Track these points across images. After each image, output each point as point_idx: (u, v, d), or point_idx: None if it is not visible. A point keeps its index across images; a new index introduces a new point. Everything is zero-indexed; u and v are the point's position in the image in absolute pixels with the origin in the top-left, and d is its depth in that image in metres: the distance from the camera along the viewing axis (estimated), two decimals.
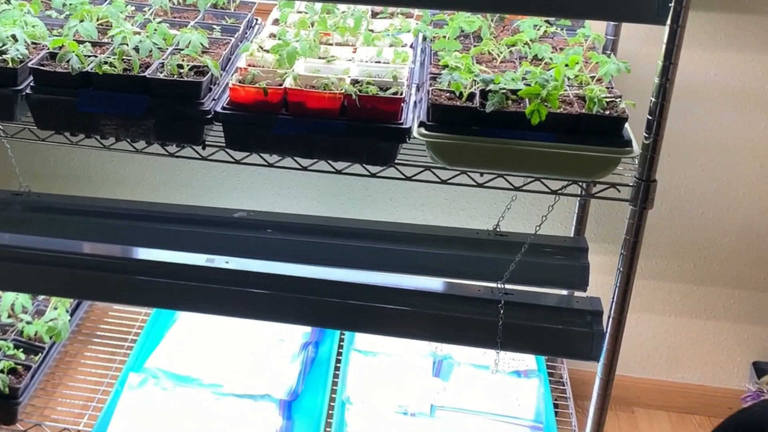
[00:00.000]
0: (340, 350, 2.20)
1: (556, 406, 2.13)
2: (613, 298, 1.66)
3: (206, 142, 1.64)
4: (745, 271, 2.29)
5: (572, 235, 2.11)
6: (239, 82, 1.61)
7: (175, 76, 1.61)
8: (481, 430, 2.00)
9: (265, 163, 1.65)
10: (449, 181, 1.62)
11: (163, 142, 1.66)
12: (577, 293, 1.99)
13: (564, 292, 2.02)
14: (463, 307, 1.78)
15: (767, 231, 2.24)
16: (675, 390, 2.44)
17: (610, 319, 1.66)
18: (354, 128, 1.57)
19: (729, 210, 2.23)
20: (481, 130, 1.56)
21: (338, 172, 1.63)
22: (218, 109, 1.60)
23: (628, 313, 1.67)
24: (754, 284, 2.31)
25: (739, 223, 2.24)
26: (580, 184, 1.65)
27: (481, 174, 1.61)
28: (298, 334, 2.24)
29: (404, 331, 1.80)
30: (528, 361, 2.20)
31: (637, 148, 1.57)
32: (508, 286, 1.79)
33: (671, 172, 2.17)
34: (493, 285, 1.80)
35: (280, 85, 1.60)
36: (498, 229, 1.98)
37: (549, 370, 2.23)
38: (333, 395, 2.06)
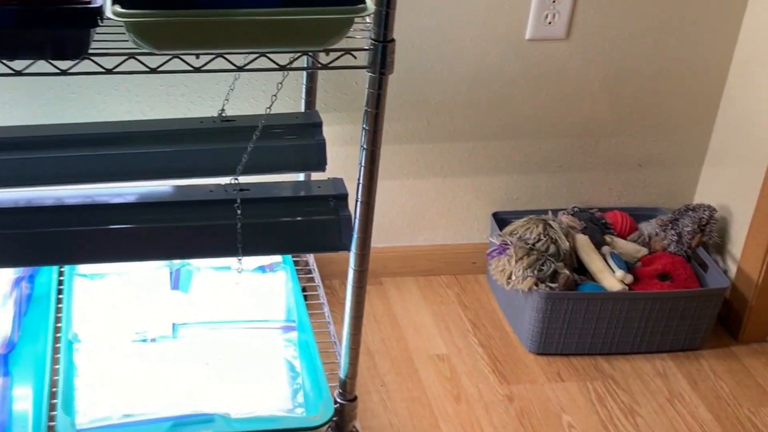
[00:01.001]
0: (62, 278, 1.88)
1: (306, 297, 1.96)
2: (359, 181, 1.47)
3: None
4: (478, 121, 2.20)
5: (303, 110, 1.90)
6: None
7: None
8: (231, 343, 1.79)
9: None
10: (159, 70, 1.34)
11: None
12: (315, 175, 1.80)
13: (301, 176, 1.82)
14: (195, 213, 1.53)
15: (497, 77, 2.15)
16: (420, 254, 2.36)
17: (359, 203, 1.48)
18: (27, 15, 1.24)
19: (458, 61, 2.10)
20: (188, 2, 1.28)
21: (18, 73, 1.30)
22: None
23: None
24: (487, 134, 2.23)
25: (469, 73, 2.13)
26: (310, 54, 1.43)
27: (197, 56, 1.35)
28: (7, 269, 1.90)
29: (130, 253, 1.53)
30: None
31: (371, 4, 1.36)
32: (242, 180, 1.56)
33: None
34: (227, 181, 1.56)
35: None
36: (224, 115, 1.72)
37: (294, 258, 2.04)
38: (58, 335, 1.76)
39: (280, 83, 1.51)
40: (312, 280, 2.03)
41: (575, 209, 2.32)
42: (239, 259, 1.53)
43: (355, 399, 1.67)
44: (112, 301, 1.86)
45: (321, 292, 1.98)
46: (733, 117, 2.29)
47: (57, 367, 1.68)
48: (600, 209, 2.36)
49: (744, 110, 2.25)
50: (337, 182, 1.59)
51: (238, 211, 1.51)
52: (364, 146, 1.43)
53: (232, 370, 1.73)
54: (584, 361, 2.18)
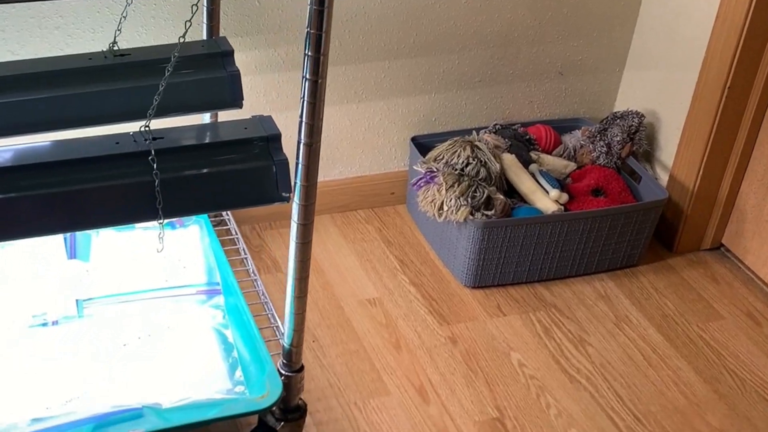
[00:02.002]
0: None
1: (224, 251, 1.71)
2: (301, 119, 1.23)
3: None
4: (392, 37, 1.97)
5: (206, 38, 1.62)
6: None
7: None
8: (148, 317, 1.54)
9: None
10: None
11: None
12: (230, 113, 1.54)
13: (215, 116, 1.56)
14: (100, 172, 1.26)
15: None
16: (334, 188, 2.14)
17: (302, 146, 1.25)
18: None
19: None
20: None
21: None
22: None
23: None
24: (402, 51, 2.00)
25: None
26: None
27: None
28: None
29: (18, 229, 1.24)
30: None
31: None
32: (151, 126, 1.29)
33: None
34: (133, 130, 1.29)
35: None
36: (116, 48, 1.43)
37: None
38: None
39: (195, 5, 1.23)
40: (230, 232, 1.78)
41: (497, 126, 2.14)
42: (160, 223, 1.27)
43: (301, 369, 1.46)
44: (0, 280, 1.57)
45: (241, 244, 1.74)
46: (656, 17, 2.14)
47: None
48: (522, 124, 2.19)
49: (666, 10, 2.10)
50: (266, 121, 1.35)
51: (154, 165, 1.25)
52: (308, 76, 1.19)
53: (155, 349, 1.49)
54: (523, 290, 2.03)
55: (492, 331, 1.91)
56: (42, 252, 1.63)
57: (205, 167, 1.30)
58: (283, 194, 1.32)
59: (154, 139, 1.28)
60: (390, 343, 1.86)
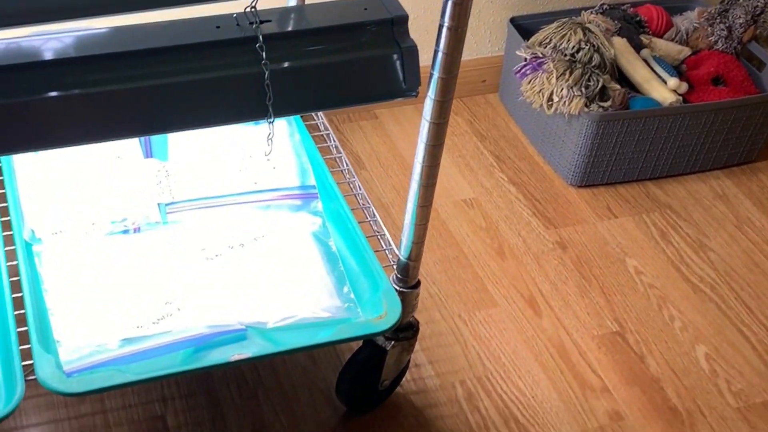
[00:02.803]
0: None
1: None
2: None
3: None
4: None
5: None
6: None
7: None
8: (240, 225, 1.38)
9: None
10: None
11: None
12: None
13: None
14: (200, 62, 1.06)
15: None
16: None
17: (445, 29, 1.05)
18: None
19: None
20: None
21: None
22: None
23: None
24: None
25: None
26: None
27: None
28: None
29: (96, 132, 1.04)
30: None
31: None
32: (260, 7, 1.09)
33: None
34: (235, 12, 1.09)
35: None
36: None
37: None
38: (9, 233, 1.30)
39: None
40: (314, 127, 1.59)
41: (605, 7, 1.92)
42: (270, 122, 1.08)
43: (417, 284, 1.29)
44: (71, 182, 1.40)
45: (332, 141, 1.55)
46: None
47: (18, 279, 1.24)
48: (631, 4, 1.96)
49: None
50: (390, 0, 1.14)
51: (263, 54, 1.06)
52: None
53: (250, 261, 1.32)
54: (633, 190, 1.84)
55: (603, 234, 1.74)
56: (115, 150, 1.46)
57: (320, 56, 1.10)
58: (410, 88, 1.13)
59: (261, 22, 1.08)
60: (492, 248, 1.69)
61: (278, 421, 1.39)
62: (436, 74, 1.07)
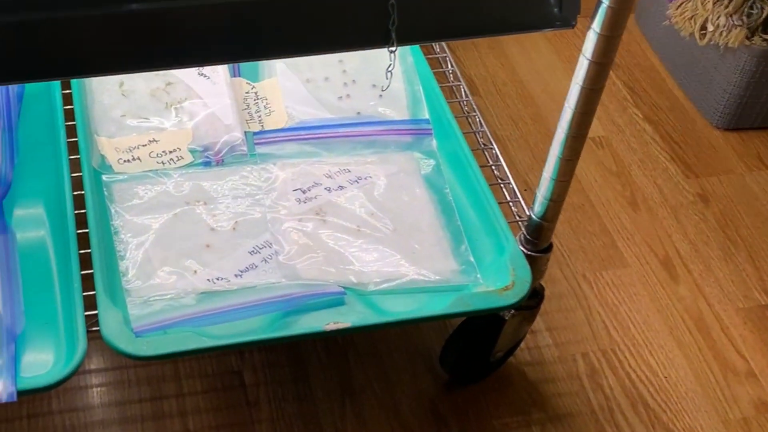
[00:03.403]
0: None
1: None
2: None
3: None
4: None
5: None
6: None
7: None
8: (335, 162, 1.18)
9: None
10: None
11: None
12: None
13: None
14: None
15: None
16: None
17: None
18: None
19: None
20: None
21: None
22: None
23: None
24: None
25: None
26: None
27: None
28: None
29: (196, 51, 0.85)
30: None
31: None
32: None
33: None
34: None
35: None
36: None
37: None
38: (75, 156, 1.13)
39: None
40: (428, 48, 1.37)
41: None
42: (392, 51, 0.87)
43: (549, 248, 1.09)
44: (148, 103, 1.22)
45: (450, 66, 1.33)
46: None
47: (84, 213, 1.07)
48: None
49: None
50: None
51: None
52: None
53: (351, 208, 1.13)
54: None
55: (753, 188, 1.50)
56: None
57: None
58: (567, 17, 0.90)
59: None
60: (624, 197, 1.47)
61: (370, 387, 1.22)
62: (605, 2, 0.84)
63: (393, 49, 0.87)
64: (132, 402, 1.20)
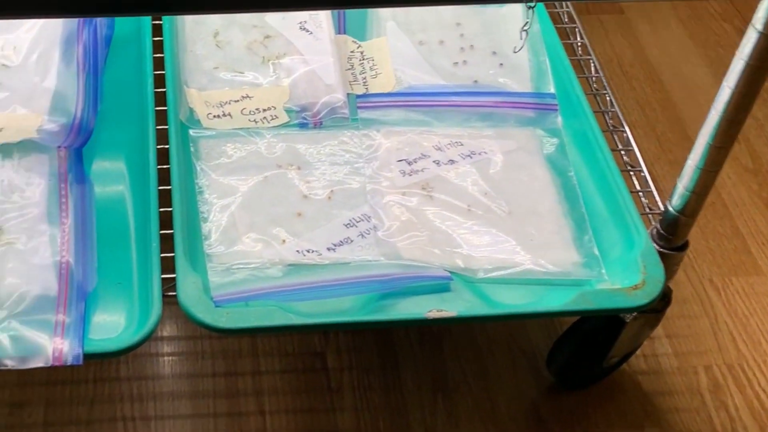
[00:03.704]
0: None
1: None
2: None
3: None
4: None
5: None
6: None
7: None
8: (448, 135, 1.06)
9: None
10: None
11: None
12: None
13: None
14: None
15: None
16: None
17: None
18: None
19: None
20: None
21: None
22: None
23: None
24: None
25: None
26: None
27: None
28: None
29: None
30: None
31: None
32: None
33: None
34: None
35: None
36: None
37: None
38: (162, 108, 1.04)
39: None
40: (555, 17, 1.24)
41: None
42: (530, 6, 0.75)
43: (685, 246, 0.95)
44: (242, 55, 1.12)
45: (580, 38, 1.20)
46: None
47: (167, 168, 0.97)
48: None
49: None
50: None
51: None
52: None
53: (462, 185, 1.01)
54: None
55: None
56: (300, 18, 1.16)
57: None
58: None
59: None
60: (760, 198, 1.32)
61: (465, 383, 1.10)
62: None
63: (532, 4, 0.74)
64: (205, 375, 1.11)
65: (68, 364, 0.83)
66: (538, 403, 1.09)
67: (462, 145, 1.04)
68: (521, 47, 0.89)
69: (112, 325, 0.89)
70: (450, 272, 0.91)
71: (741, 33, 1.50)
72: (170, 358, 1.13)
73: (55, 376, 1.09)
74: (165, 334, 1.14)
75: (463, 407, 1.08)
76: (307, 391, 1.09)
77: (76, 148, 1.00)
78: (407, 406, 1.08)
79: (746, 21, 1.52)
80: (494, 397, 1.09)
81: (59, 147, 0.99)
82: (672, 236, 0.93)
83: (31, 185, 0.97)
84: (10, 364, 0.82)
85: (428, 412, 1.07)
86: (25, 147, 0.99)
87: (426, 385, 1.09)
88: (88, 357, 0.84)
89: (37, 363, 0.82)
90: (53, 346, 0.83)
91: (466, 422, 1.07)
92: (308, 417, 1.07)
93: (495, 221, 0.98)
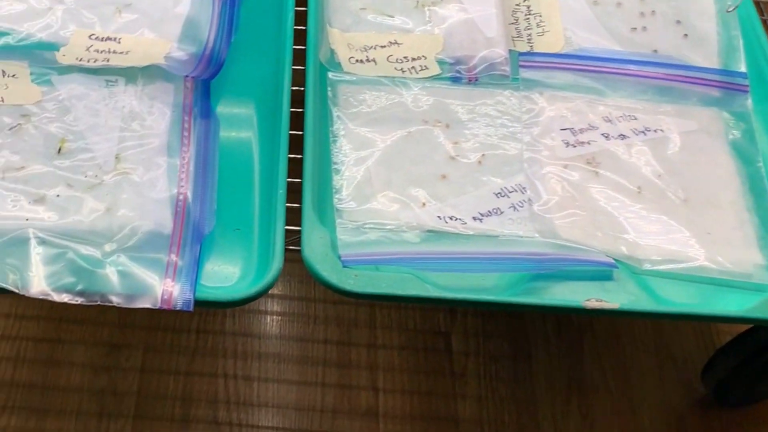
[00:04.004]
0: None
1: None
2: None
3: None
4: None
5: None
6: None
7: None
8: (617, 107, 0.94)
9: None
10: None
11: None
12: None
13: None
14: None
15: None
16: None
17: None
18: None
19: None
20: None
21: None
22: None
23: None
24: None
25: None
26: None
27: None
28: None
29: None
30: None
31: None
32: None
33: None
34: None
35: None
36: None
37: None
38: (300, 47, 0.94)
39: None
40: None
41: None
42: None
43: None
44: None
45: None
46: None
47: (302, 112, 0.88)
48: None
49: None
50: None
51: None
52: None
53: (633, 166, 0.89)
54: None
55: None
56: None
57: None
58: None
59: None
60: None
61: (604, 384, 0.99)
62: None
63: None
64: (316, 341, 1.02)
65: (177, 308, 0.74)
66: (686, 417, 0.97)
67: (636, 119, 0.92)
68: (734, 8, 0.76)
69: (227, 274, 0.80)
70: (620, 261, 0.80)
71: None
72: (280, 317, 1.04)
73: (157, 321, 1.02)
74: (277, 292, 1.06)
75: (599, 411, 0.96)
76: (427, 372, 0.99)
77: (204, 80, 0.91)
78: (537, 402, 0.97)
79: None
80: (636, 405, 0.97)
81: (186, 77, 0.91)
82: None
83: (152, 114, 0.88)
84: (115, 300, 0.74)
85: (560, 412, 0.96)
86: (150, 74, 0.91)
87: (560, 383, 0.98)
88: (198, 304, 0.76)
89: (144, 303, 0.74)
90: (163, 288, 0.75)
91: (601, 427, 0.95)
92: (426, 400, 0.97)
93: (668, 208, 0.85)
